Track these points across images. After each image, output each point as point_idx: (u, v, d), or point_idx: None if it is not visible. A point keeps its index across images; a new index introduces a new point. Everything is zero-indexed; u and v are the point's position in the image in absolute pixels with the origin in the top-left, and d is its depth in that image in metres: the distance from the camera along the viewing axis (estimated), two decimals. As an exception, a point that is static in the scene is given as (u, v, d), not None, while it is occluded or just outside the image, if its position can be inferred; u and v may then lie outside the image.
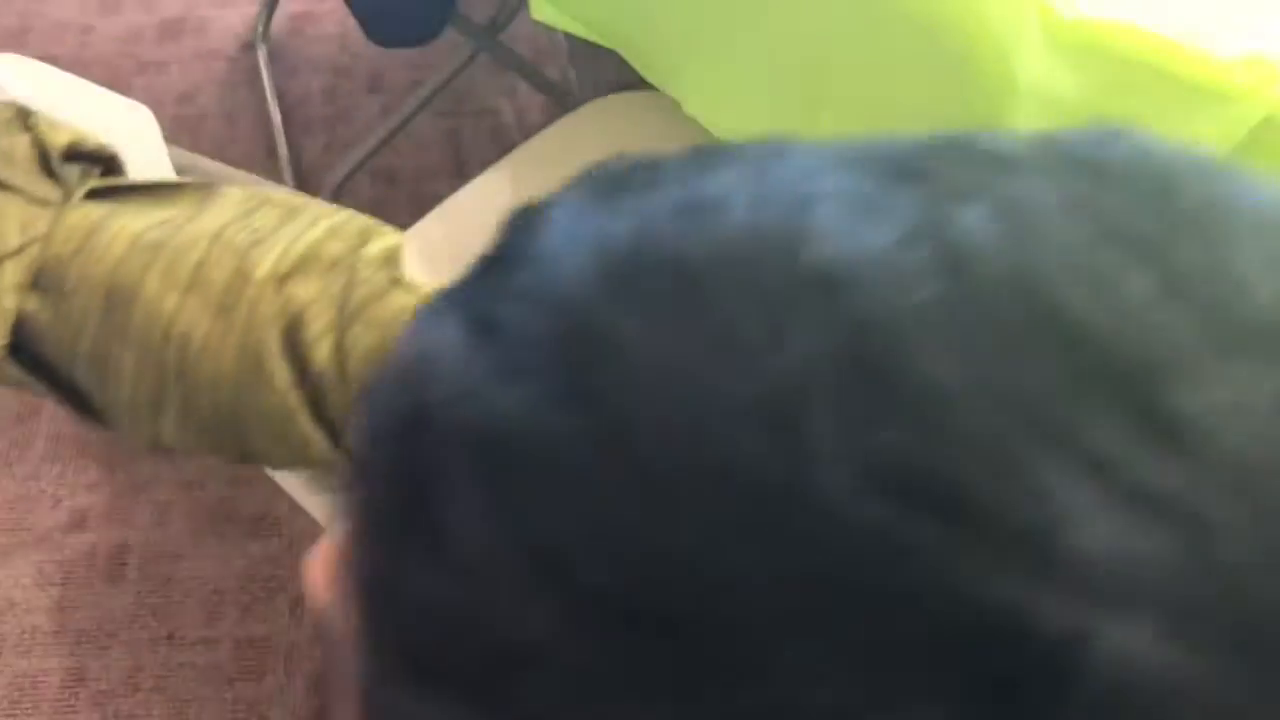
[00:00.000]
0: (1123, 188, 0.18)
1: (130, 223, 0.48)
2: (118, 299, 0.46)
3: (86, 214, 0.48)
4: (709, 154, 0.21)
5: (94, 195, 0.49)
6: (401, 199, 1.53)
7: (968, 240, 0.17)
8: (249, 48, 1.69)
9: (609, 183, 0.21)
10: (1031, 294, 0.17)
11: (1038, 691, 0.15)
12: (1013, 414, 0.16)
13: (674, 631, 0.16)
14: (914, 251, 0.17)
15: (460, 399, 0.19)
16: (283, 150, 1.57)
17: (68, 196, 0.48)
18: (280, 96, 1.63)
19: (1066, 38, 0.65)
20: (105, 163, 0.51)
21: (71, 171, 0.50)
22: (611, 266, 0.19)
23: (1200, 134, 0.64)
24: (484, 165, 1.16)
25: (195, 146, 1.38)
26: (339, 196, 1.45)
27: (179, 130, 1.59)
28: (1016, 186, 0.18)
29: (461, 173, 1.54)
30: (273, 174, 1.48)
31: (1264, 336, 0.17)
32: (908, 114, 0.77)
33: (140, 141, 0.68)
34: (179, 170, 0.75)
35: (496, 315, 0.19)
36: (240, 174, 1.23)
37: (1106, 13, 0.65)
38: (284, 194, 0.50)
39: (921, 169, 0.19)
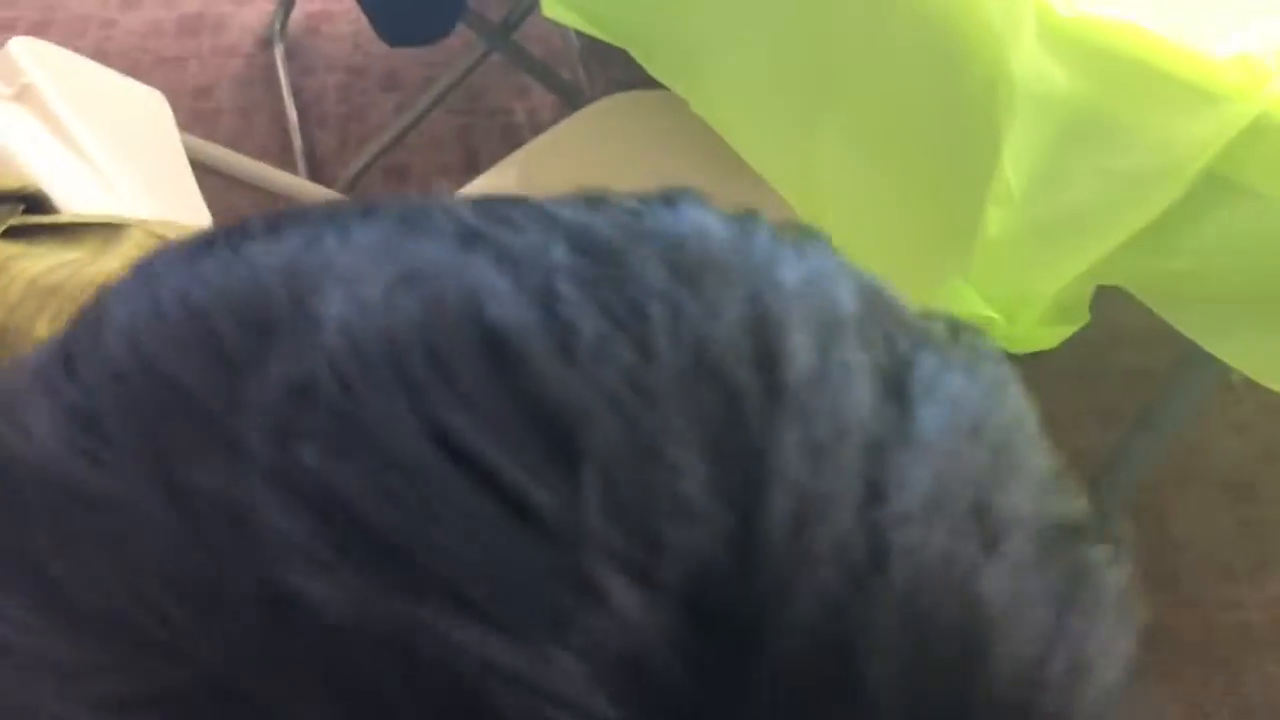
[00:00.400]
0: (637, 249, 0.19)
1: (32, 265, 0.49)
2: (11, 340, 0.48)
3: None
4: (309, 217, 0.22)
5: (11, 234, 0.50)
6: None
7: (463, 287, 0.18)
8: (266, 45, 1.71)
9: (212, 237, 0.22)
10: (486, 331, 0.18)
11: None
12: (422, 442, 0.17)
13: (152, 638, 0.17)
14: (402, 295, 0.18)
15: (6, 430, 0.20)
16: (297, 145, 1.58)
17: None
18: (296, 93, 1.65)
19: (1062, 35, 0.66)
20: (28, 200, 0.52)
21: None
22: (144, 306, 0.20)
23: (1193, 132, 0.65)
24: (495, 163, 1.17)
25: (211, 140, 1.39)
26: (352, 192, 1.47)
27: (195, 124, 1.60)
28: (525, 242, 0.19)
29: (473, 170, 1.55)
30: (287, 169, 1.50)
31: (671, 384, 0.18)
32: (908, 111, 0.78)
33: (154, 124, 0.70)
34: (191, 156, 0.77)
35: (72, 349, 0.21)
36: (249, 161, 1.24)
37: (1102, 11, 0.66)
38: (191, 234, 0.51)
39: (470, 227, 0.20)
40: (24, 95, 0.58)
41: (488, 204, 0.21)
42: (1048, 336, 0.75)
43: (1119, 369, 1.36)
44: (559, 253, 0.19)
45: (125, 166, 0.60)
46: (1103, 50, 0.67)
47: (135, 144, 0.64)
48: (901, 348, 0.20)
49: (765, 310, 0.19)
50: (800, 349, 0.18)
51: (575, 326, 0.18)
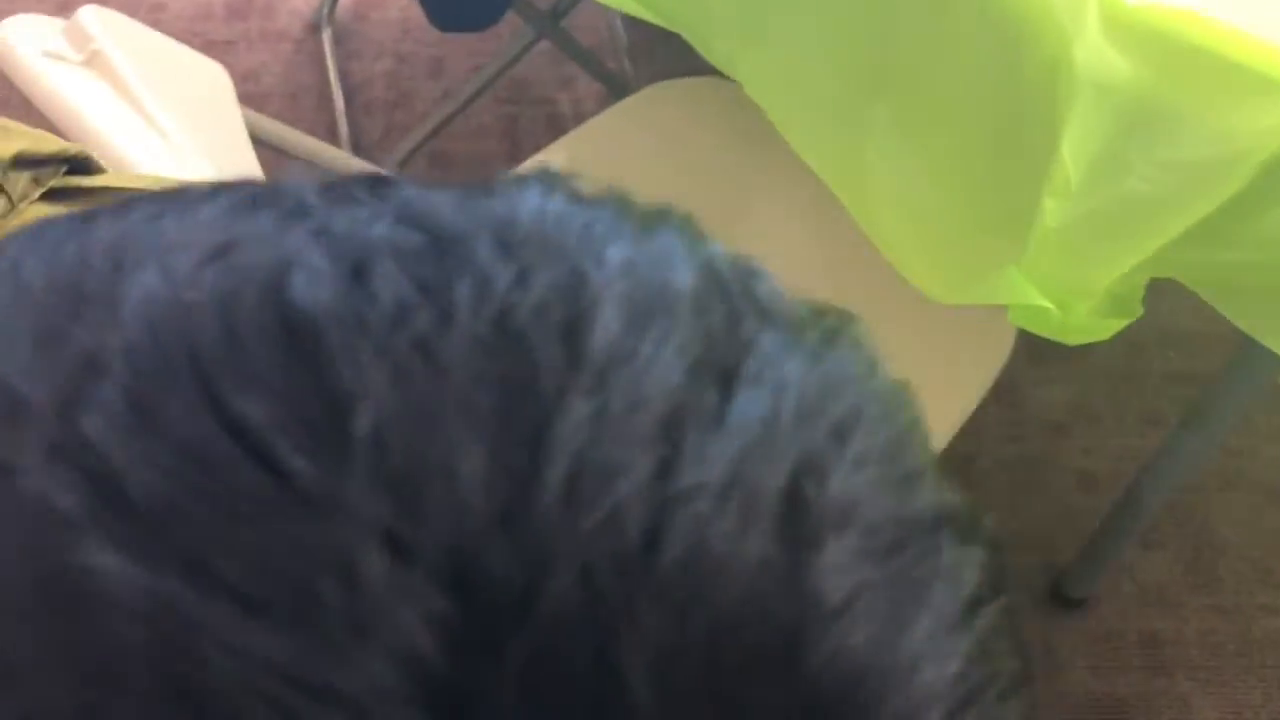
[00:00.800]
0: (471, 227, 0.19)
1: None
2: None
3: (36, 213, 0.50)
4: (159, 195, 0.22)
5: (54, 196, 0.51)
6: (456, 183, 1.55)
7: (273, 259, 0.18)
8: (314, 30, 1.73)
9: (75, 213, 0.22)
10: (285, 305, 0.17)
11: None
12: (203, 417, 0.17)
13: None
14: (209, 268, 0.18)
15: None
16: (344, 131, 1.59)
17: (13, 204, 0.50)
18: (343, 79, 1.66)
19: (1125, 23, 0.66)
20: (71, 162, 0.53)
21: (20, 179, 0.51)
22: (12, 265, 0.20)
23: (1256, 123, 0.64)
24: (538, 153, 1.18)
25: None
26: (396, 177, 1.48)
27: (243, 107, 1.62)
28: (350, 217, 0.19)
29: (516, 159, 1.56)
30: (332, 154, 1.51)
31: (466, 353, 0.17)
32: (965, 99, 0.77)
33: (217, 96, 0.71)
34: (249, 131, 0.78)
35: None
36: (305, 138, 1.25)
37: (1167, 0, 0.66)
38: None
39: (302, 203, 0.20)
40: (94, 61, 0.59)
41: (339, 184, 0.21)
42: (1102, 328, 0.75)
43: (1163, 371, 1.35)
44: (382, 227, 0.19)
45: (191, 135, 0.61)
46: (1166, 39, 0.66)
47: (199, 114, 0.65)
48: (745, 329, 0.19)
49: (580, 283, 0.18)
50: (609, 321, 0.18)
51: (377, 297, 0.17)
